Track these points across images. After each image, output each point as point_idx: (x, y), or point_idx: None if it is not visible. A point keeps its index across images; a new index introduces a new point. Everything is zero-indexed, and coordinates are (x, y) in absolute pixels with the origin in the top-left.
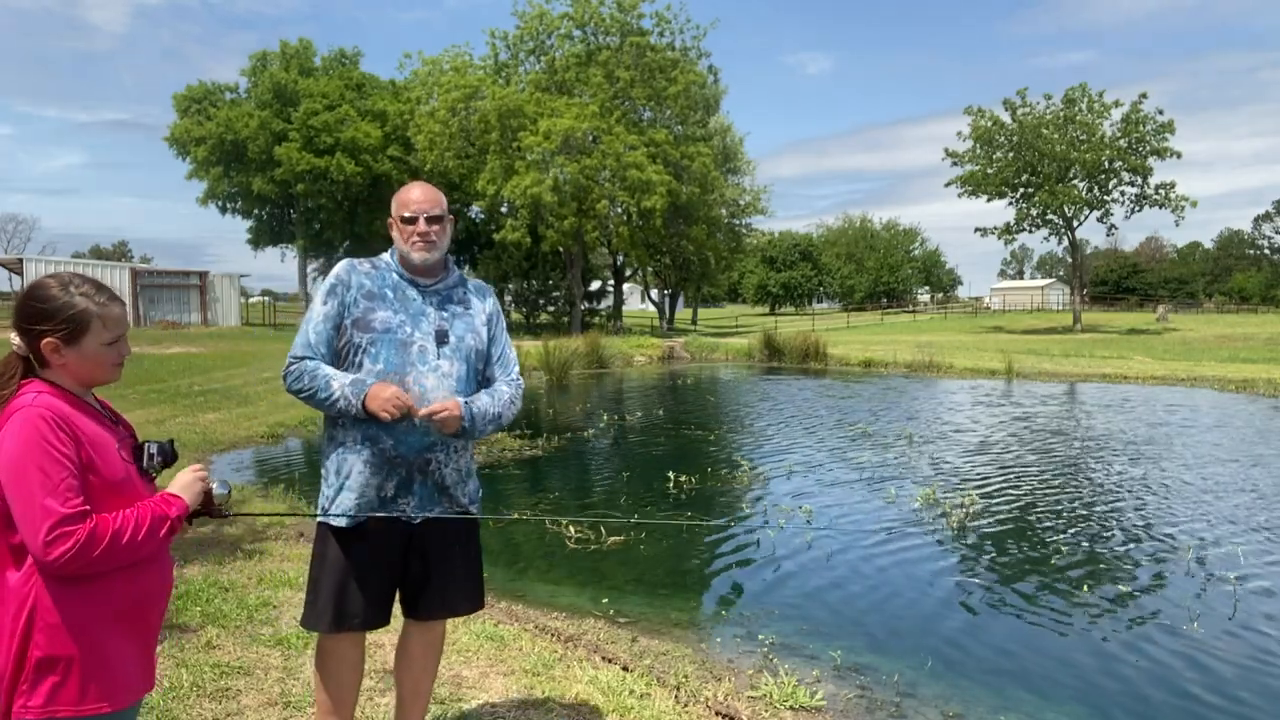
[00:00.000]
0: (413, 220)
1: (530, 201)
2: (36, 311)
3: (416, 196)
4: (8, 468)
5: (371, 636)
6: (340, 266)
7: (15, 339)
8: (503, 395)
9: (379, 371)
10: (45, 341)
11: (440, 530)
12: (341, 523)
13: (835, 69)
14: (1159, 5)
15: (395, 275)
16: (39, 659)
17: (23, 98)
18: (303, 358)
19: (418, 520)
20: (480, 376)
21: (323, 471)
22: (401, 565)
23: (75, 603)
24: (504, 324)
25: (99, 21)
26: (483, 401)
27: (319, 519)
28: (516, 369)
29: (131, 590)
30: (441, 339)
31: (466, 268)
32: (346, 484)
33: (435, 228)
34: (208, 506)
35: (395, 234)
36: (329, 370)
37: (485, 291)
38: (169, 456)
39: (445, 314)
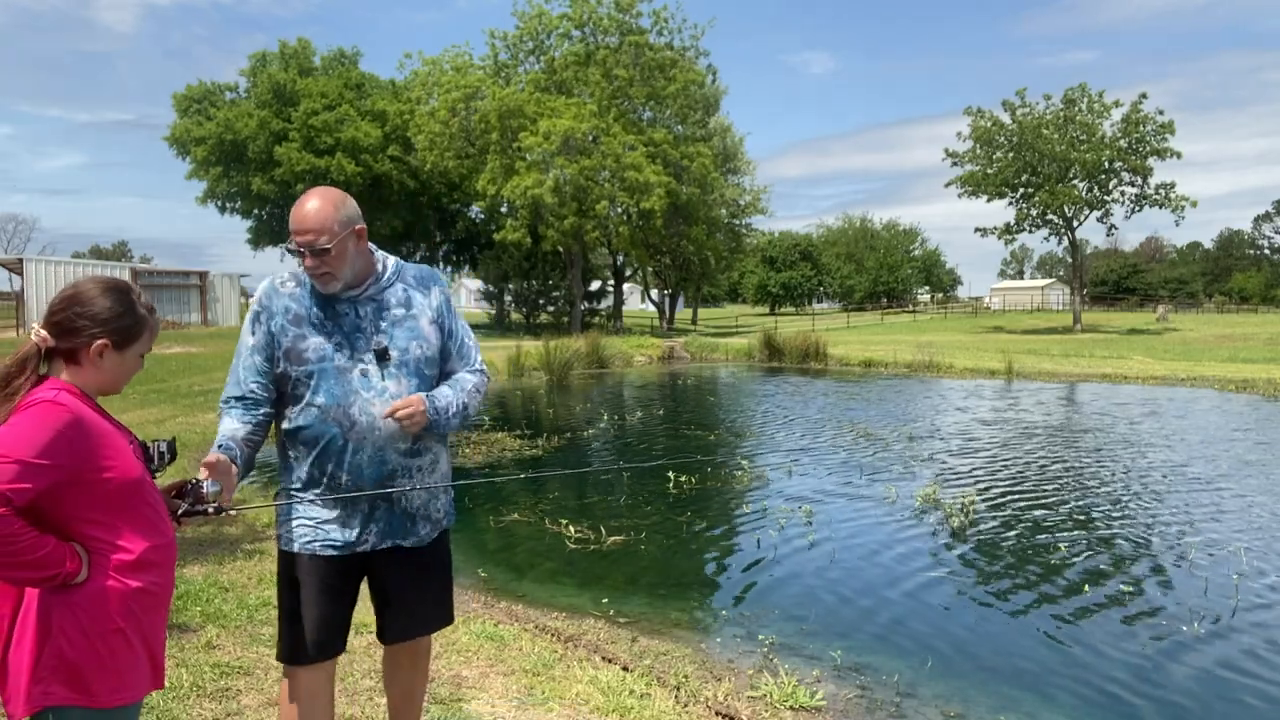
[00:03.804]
0: (299, 253)
1: (530, 202)
2: (104, 312)
3: (300, 223)
4: (10, 430)
5: (372, 637)
6: (262, 289)
7: (42, 333)
8: (466, 383)
9: (321, 405)
10: (99, 343)
11: (408, 551)
12: (295, 548)
13: (839, 69)
14: (1164, 5)
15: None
16: (58, 649)
17: (24, 98)
18: (226, 401)
19: (385, 546)
20: (438, 381)
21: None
22: (358, 590)
23: (85, 599)
24: (457, 313)
25: (109, 22)
26: (445, 394)
27: (281, 549)
28: (479, 357)
29: (138, 591)
30: (383, 357)
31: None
32: (302, 515)
33: (324, 260)
34: (200, 502)
35: None
36: (224, 427)
37: (429, 280)
38: (174, 455)
39: (384, 323)
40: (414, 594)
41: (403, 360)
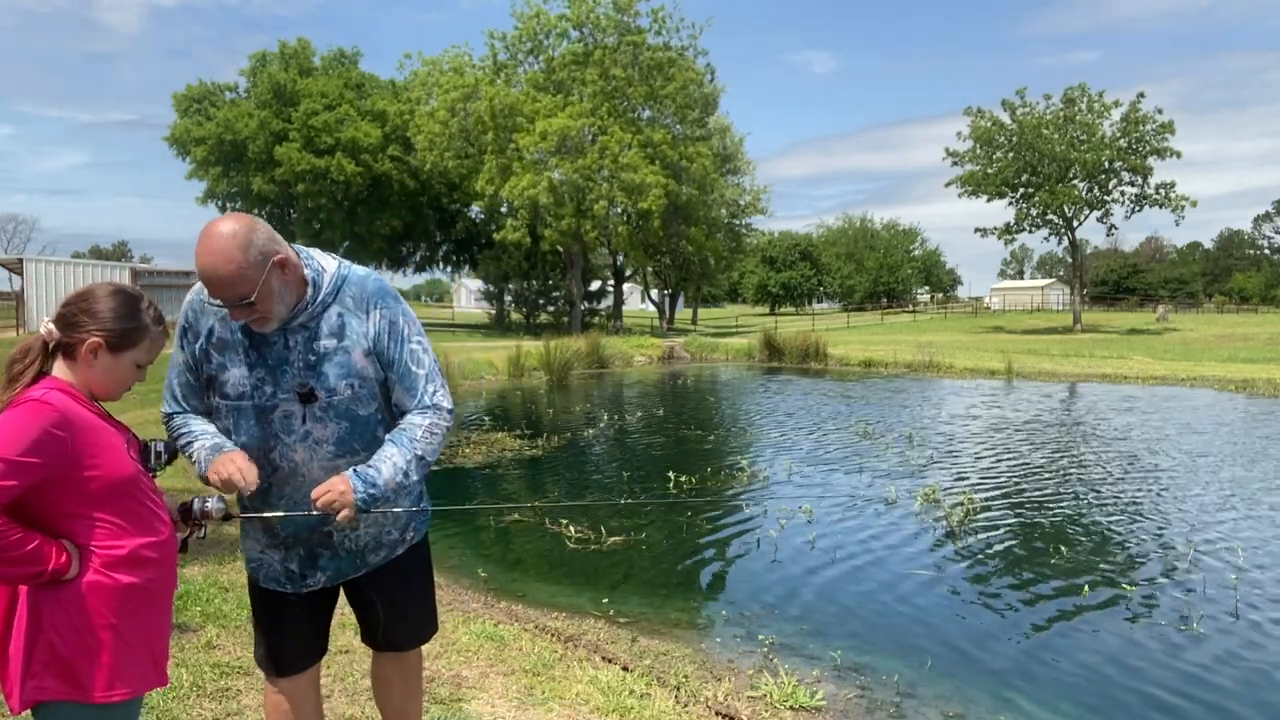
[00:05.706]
0: (222, 306)
1: (528, 202)
2: (105, 312)
3: (209, 282)
4: None
5: None
6: (187, 303)
7: (49, 325)
8: (415, 430)
9: (242, 444)
10: (93, 340)
11: (378, 571)
12: (248, 571)
13: (841, 68)
14: (1167, 6)
15: None
16: (49, 644)
17: (26, 98)
18: (170, 414)
19: (340, 583)
20: (381, 416)
21: None
22: (333, 601)
23: (74, 595)
24: (405, 334)
25: (112, 23)
26: (386, 462)
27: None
28: (433, 388)
29: (131, 587)
30: (308, 399)
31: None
32: (251, 548)
33: (252, 309)
34: (206, 518)
35: None
36: (196, 428)
37: (372, 301)
38: (172, 455)
39: (314, 356)
40: (390, 612)
41: (330, 402)
